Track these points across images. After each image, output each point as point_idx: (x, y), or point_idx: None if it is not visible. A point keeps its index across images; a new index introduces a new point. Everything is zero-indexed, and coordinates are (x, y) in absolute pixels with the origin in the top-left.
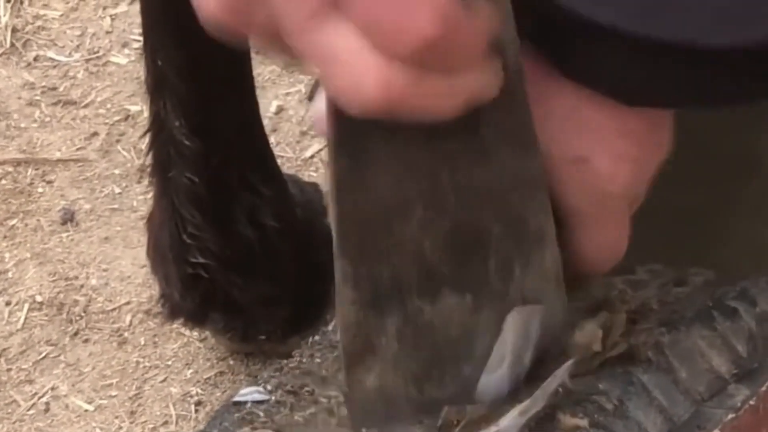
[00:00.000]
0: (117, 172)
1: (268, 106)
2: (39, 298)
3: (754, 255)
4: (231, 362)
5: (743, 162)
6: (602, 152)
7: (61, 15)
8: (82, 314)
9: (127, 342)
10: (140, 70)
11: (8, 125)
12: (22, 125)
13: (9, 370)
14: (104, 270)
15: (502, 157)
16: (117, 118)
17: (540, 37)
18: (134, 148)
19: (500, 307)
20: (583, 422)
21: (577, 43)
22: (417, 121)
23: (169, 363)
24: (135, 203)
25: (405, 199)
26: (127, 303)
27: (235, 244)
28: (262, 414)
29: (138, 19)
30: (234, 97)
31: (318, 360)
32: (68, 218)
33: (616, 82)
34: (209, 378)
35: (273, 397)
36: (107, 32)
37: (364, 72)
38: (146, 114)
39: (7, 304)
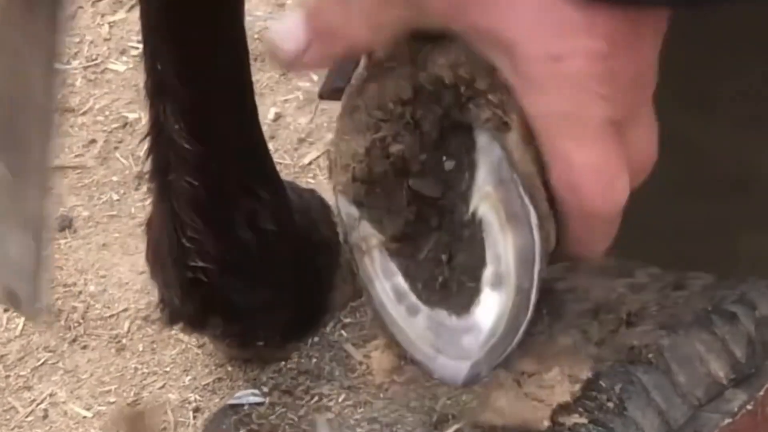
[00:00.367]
0: (115, 179)
1: (266, 113)
2: None
3: (756, 266)
4: (229, 368)
5: (743, 174)
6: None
7: None
8: (81, 321)
9: (125, 348)
10: (138, 78)
11: None
12: None
13: (7, 376)
14: (102, 276)
15: None
16: (115, 125)
17: None
18: (132, 155)
19: None
20: (583, 419)
21: None
22: None
23: (168, 369)
24: (133, 210)
25: None
26: (125, 309)
27: (234, 248)
28: (258, 416)
29: (136, 27)
30: (233, 100)
31: (315, 360)
32: (66, 225)
33: None
34: (207, 384)
35: (269, 399)
36: (105, 39)
37: None
38: (144, 121)
39: (6, 310)
